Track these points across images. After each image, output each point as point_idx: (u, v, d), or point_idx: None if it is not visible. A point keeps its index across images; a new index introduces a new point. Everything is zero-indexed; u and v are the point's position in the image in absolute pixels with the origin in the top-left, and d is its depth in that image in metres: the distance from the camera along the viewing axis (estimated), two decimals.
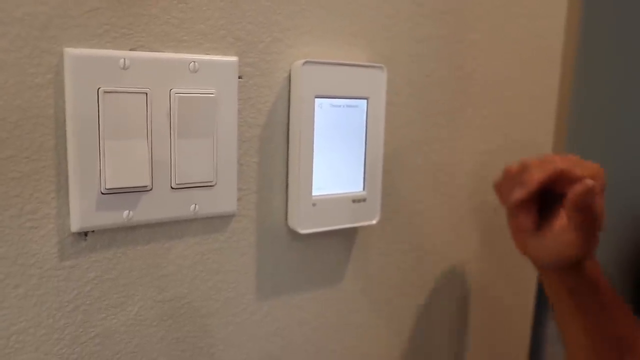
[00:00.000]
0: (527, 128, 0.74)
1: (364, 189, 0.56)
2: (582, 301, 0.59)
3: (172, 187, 0.47)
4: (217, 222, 0.51)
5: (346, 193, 0.55)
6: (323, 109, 0.52)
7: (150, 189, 0.45)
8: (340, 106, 0.53)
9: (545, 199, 0.57)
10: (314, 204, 0.53)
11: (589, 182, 0.50)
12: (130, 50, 0.44)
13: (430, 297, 0.68)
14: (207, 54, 0.47)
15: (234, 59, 0.48)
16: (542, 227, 0.57)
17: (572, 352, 0.62)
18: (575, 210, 0.53)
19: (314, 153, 0.52)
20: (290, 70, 0.52)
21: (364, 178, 0.56)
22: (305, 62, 0.50)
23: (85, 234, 0.44)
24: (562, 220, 0.55)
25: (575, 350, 0.62)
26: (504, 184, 0.59)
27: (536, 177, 0.55)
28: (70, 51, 0.41)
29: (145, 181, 0.45)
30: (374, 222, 0.57)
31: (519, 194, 0.56)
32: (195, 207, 0.48)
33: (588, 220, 0.53)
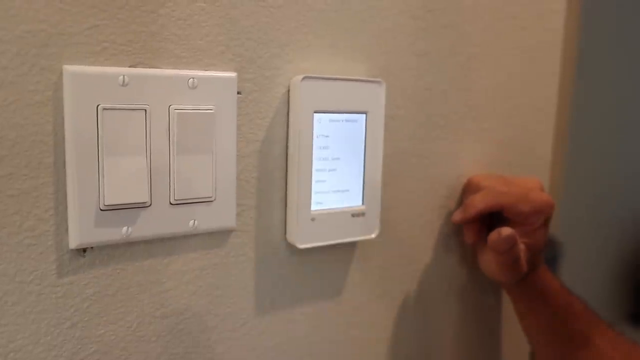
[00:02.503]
0: (527, 140, 0.74)
1: (363, 203, 0.56)
2: (530, 307, 0.65)
3: (171, 203, 0.47)
4: (216, 237, 0.51)
5: (345, 207, 0.55)
6: (322, 124, 0.52)
7: (149, 205, 0.45)
8: (339, 121, 0.53)
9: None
10: (312, 219, 0.53)
11: (505, 231, 0.55)
12: (130, 67, 0.44)
13: (429, 311, 0.68)
14: (206, 70, 0.47)
15: (233, 74, 0.48)
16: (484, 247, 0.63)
17: (531, 344, 0.68)
18: (494, 252, 0.58)
19: (313, 168, 0.52)
20: (289, 86, 0.52)
21: (363, 192, 0.56)
22: (304, 78, 0.50)
23: (84, 250, 0.44)
24: (488, 253, 0.61)
25: (534, 343, 0.67)
26: (462, 198, 0.66)
27: (476, 205, 0.61)
28: (70, 68, 0.41)
29: (144, 197, 0.45)
30: (373, 236, 0.57)
31: (457, 217, 0.63)
32: (194, 222, 0.48)
33: (508, 260, 0.59)
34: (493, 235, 0.56)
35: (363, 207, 0.56)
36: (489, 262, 0.62)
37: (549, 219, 0.61)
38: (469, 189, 0.64)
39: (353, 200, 0.56)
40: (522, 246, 0.59)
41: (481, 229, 0.63)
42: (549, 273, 0.64)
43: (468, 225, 0.64)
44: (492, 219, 0.62)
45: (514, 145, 0.72)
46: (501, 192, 0.60)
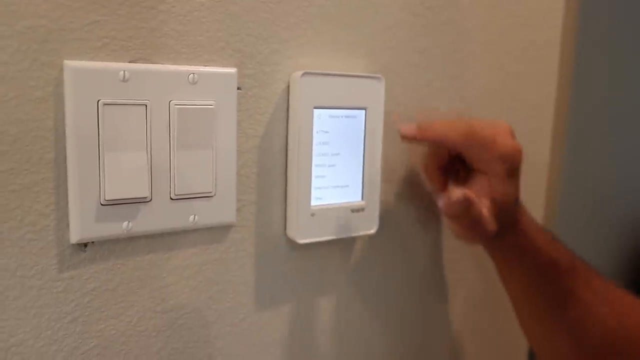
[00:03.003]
0: (526, 136, 0.74)
1: (362, 198, 0.56)
2: (509, 267, 0.60)
3: (171, 198, 0.47)
4: (216, 232, 0.51)
5: (345, 203, 0.55)
6: (322, 119, 0.52)
7: (150, 200, 0.46)
8: (338, 117, 0.53)
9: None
10: (312, 214, 0.53)
11: (455, 194, 0.50)
12: (130, 62, 0.44)
13: (428, 306, 0.68)
14: (206, 66, 0.47)
15: (233, 70, 0.48)
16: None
17: (512, 302, 0.63)
18: (449, 218, 0.53)
19: (313, 163, 0.52)
20: (289, 82, 0.52)
21: (363, 188, 0.56)
22: (304, 74, 0.50)
23: (85, 245, 0.44)
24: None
25: (513, 301, 0.63)
26: None
27: (435, 129, 0.53)
28: (70, 64, 0.41)
29: (144, 192, 0.45)
30: (372, 231, 0.58)
31: (407, 131, 0.54)
32: (194, 217, 0.48)
33: (468, 223, 0.53)
34: (443, 199, 0.51)
35: (362, 203, 0.56)
36: (450, 223, 0.57)
37: (518, 170, 0.55)
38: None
39: (352, 195, 0.56)
40: (486, 202, 0.54)
41: (445, 181, 0.58)
42: (531, 229, 0.58)
43: (431, 177, 0.59)
44: (455, 170, 0.58)
45: None
46: (465, 129, 0.53)
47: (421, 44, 0.60)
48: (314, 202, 0.53)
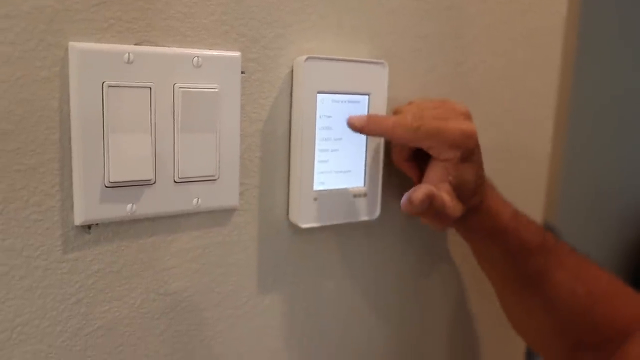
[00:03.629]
0: (528, 124, 0.74)
1: (364, 184, 0.57)
2: (479, 248, 0.61)
3: (175, 181, 0.47)
4: (219, 216, 0.51)
5: (347, 188, 0.56)
6: (325, 104, 0.52)
7: (154, 183, 0.46)
8: (341, 102, 0.54)
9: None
10: (315, 199, 0.53)
11: (416, 197, 0.50)
12: (135, 44, 0.44)
13: (429, 293, 0.69)
14: (211, 49, 0.47)
15: (237, 54, 0.48)
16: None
17: (493, 287, 0.64)
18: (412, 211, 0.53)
19: (316, 148, 0.53)
20: (292, 66, 0.52)
21: (365, 173, 0.56)
22: (308, 58, 0.50)
23: (89, 227, 0.45)
24: None
25: (493, 285, 0.64)
26: None
27: (378, 126, 0.52)
28: (76, 45, 0.41)
29: (148, 175, 0.45)
30: (374, 217, 0.58)
31: (357, 122, 0.52)
32: (197, 200, 0.49)
33: (430, 214, 0.53)
34: (402, 201, 0.51)
35: (364, 188, 0.57)
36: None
37: (473, 152, 0.54)
38: (394, 112, 0.57)
39: (355, 181, 0.56)
40: (446, 187, 0.54)
41: (418, 170, 0.58)
42: (497, 210, 0.58)
43: (403, 169, 0.59)
44: (423, 156, 0.57)
45: (514, 129, 0.72)
46: (411, 124, 0.52)
47: (425, 29, 0.60)
48: (316, 187, 0.53)
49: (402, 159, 0.58)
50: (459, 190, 0.54)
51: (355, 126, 0.52)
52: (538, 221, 0.78)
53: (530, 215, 0.60)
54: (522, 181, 0.75)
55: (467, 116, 0.55)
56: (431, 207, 0.51)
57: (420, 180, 0.57)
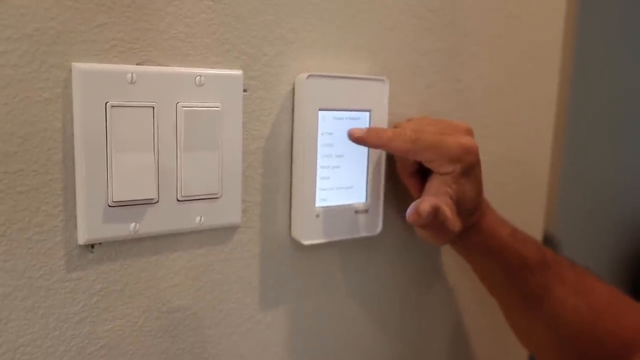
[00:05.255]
0: (527, 136, 0.74)
1: (366, 200, 0.57)
2: (479, 267, 0.61)
3: (178, 200, 0.47)
4: (221, 233, 0.51)
5: (349, 204, 0.56)
6: (326, 121, 0.53)
7: (157, 202, 0.46)
8: (343, 119, 0.54)
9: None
10: (317, 215, 0.54)
11: (423, 208, 0.49)
12: (137, 64, 0.44)
13: (430, 308, 0.69)
14: (212, 68, 0.48)
15: (239, 72, 0.49)
16: None
17: (498, 303, 0.64)
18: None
19: (318, 165, 0.53)
20: (294, 84, 0.52)
21: (367, 189, 0.57)
22: (309, 76, 0.51)
23: (92, 246, 0.45)
24: None
25: (497, 300, 0.63)
26: None
27: (377, 137, 0.52)
28: (79, 66, 0.41)
29: (151, 194, 0.45)
30: (376, 233, 0.58)
31: (357, 133, 0.52)
32: (200, 218, 0.49)
33: (431, 226, 0.54)
34: (408, 212, 0.50)
35: (366, 205, 0.57)
36: (417, 231, 0.58)
37: (473, 167, 0.54)
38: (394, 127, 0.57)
39: (356, 197, 0.56)
40: (447, 201, 0.53)
41: (420, 185, 0.57)
42: (495, 227, 0.58)
43: (406, 183, 0.59)
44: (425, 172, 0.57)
45: (514, 142, 0.73)
46: (410, 137, 0.52)
47: (424, 46, 0.61)
48: (318, 203, 0.54)
49: (406, 173, 0.58)
50: (458, 205, 0.54)
51: (355, 136, 0.52)
52: (538, 231, 0.79)
53: (531, 226, 0.61)
54: (522, 192, 0.76)
55: (468, 132, 0.55)
56: (435, 219, 0.51)
57: (419, 195, 0.57)
